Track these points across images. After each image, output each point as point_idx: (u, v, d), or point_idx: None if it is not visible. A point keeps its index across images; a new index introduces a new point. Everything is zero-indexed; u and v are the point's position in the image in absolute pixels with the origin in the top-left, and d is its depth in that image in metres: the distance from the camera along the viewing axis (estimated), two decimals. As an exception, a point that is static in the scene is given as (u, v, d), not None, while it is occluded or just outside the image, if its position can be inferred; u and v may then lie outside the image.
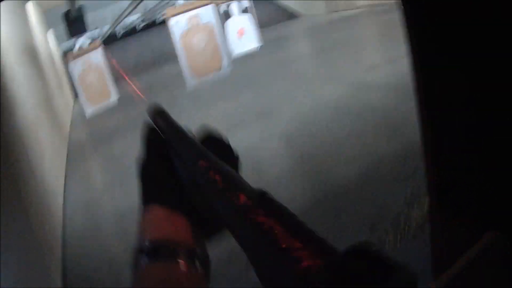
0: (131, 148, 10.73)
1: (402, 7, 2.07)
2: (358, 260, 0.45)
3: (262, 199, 0.63)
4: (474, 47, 1.77)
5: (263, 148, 7.67)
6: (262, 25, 30.77)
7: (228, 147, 0.90)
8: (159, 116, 0.93)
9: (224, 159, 0.78)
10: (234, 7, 8.17)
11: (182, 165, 0.82)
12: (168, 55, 29.95)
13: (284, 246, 0.52)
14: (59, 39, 24.44)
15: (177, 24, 7.31)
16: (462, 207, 2.22)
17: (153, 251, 0.74)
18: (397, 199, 4.83)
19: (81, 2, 8.43)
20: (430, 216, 2.77)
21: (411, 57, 2.13)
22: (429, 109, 2.13)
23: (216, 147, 0.84)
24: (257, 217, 0.58)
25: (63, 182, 9.26)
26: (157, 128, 0.91)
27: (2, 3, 7.26)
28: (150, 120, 0.93)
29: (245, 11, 8.26)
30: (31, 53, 11.26)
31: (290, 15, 34.15)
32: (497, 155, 1.90)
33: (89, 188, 9.07)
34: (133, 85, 18.03)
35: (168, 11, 7.35)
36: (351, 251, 0.46)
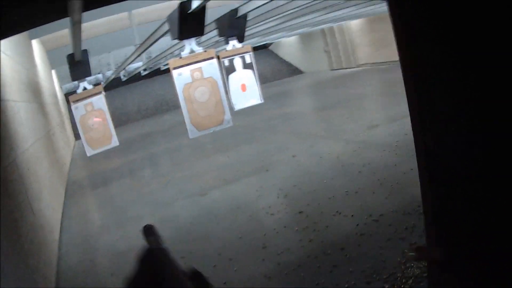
0: (128, 191, 10.79)
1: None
2: None
3: None
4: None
5: (260, 201, 7.69)
6: (267, 79, 31.15)
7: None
8: (153, 238, 0.99)
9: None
10: (237, 62, 8.24)
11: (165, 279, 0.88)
12: (170, 103, 30.30)
13: None
14: (61, 80, 24.65)
15: (180, 76, 7.36)
16: (463, 266, 2.22)
17: None
18: (395, 256, 4.82)
19: (85, 46, 8.50)
20: (428, 271, 2.77)
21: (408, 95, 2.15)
22: (431, 170, 2.15)
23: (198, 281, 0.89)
24: None
25: (59, 218, 9.27)
26: (152, 251, 0.96)
27: (8, 38, 7.38)
28: (146, 242, 0.99)
29: (248, 66, 8.33)
30: (34, 90, 11.38)
31: (294, 71, 34.50)
32: (501, 218, 1.91)
33: (85, 226, 9.08)
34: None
35: (171, 62, 7.41)
36: None
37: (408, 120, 2.11)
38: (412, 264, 4.59)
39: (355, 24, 26.31)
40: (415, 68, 1.97)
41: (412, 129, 2.15)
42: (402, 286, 4.32)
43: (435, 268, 2.38)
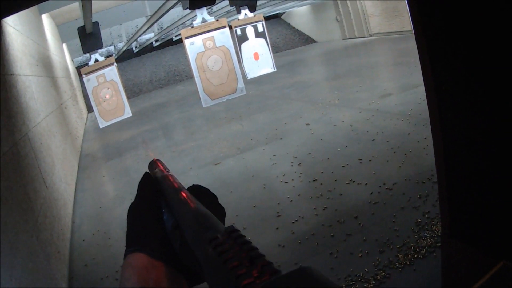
0: (142, 162, 10.82)
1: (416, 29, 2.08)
2: (300, 281, 0.48)
3: (232, 232, 0.66)
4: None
5: (274, 170, 7.70)
6: (279, 48, 31.03)
7: (216, 201, 0.91)
8: (157, 167, 0.97)
9: (212, 210, 0.78)
10: (249, 31, 8.19)
11: (167, 210, 0.86)
12: (182, 73, 30.28)
13: (235, 264, 0.57)
14: (73, 54, 24.68)
15: (193, 45, 7.34)
16: (475, 236, 2.21)
17: None
18: (408, 225, 4.82)
19: (96, 18, 8.47)
20: (442, 243, 2.76)
21: (425, 78, 2.14)
22: (445, 134, 2.14)
23: (205, 199, 0.85)
24: (223, 249, 0.61)
25: (73, 191, 9.34)
26: (153, 177, 0.94)
27: (18, 14, 7.36)
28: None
29: (260, 34, 8.29)
30: (45, 64, 11.38)
31: (305, 40, 34.32)
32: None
33: (99, 198, 9.12)
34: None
35: (183, 32, 7.38)
36: (295, 272, 0.50)
37: (421, 89, 2.09)
38: (426, 234, 4.59)
39: (367, -7, 26.09)
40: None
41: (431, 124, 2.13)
42: (415, 255, 4.32)
43: (448, 237, 2.38)
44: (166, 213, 0.86)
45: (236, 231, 0.65)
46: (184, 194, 0.82)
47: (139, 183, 0.91)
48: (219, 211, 0.88)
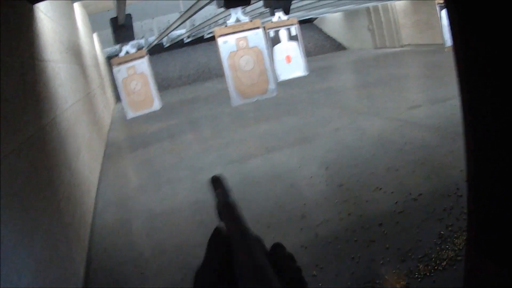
0: (167, 154, 10.93)
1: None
2: None
3: None
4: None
5: (301, 172, 7.76)
6: (310, 53, 31.00)
7: (299, 274, 0.77)
8: (220, 190, 0.85)
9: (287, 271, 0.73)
10: (282, 33, 8.25)
11: (238, 265, 0.77)
12: (212, 71, 30.41)
13: None
14: (103, 44, 24.85)
15: (226, 44, 7.40)
16: (500, 249, 2.24)
17: None
18: (431, 237, 4.86)
19: (128, 11, 8.58)
20: (466, 254, 2.79)
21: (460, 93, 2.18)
22: (477, 146, 2.18)
23: (286, 271, 0.75)
24: None
25: (97, 177, 9.48)
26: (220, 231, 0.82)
27: (51, 0, 7.46)
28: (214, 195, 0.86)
29: (293, 38, 8.34)
30: (75, 52, 11.51)
31: (337, 46, 34.32)
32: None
33: (122, 187, 9.26)
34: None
35: (217, 30, 7.46)
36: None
37: (450, 103, 2.13)
38: (447, 246, 4.63)
39: (399, 4, 26.03)
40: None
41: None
42: (436, 267, 4.35)
43: (472, 252, 2.42)
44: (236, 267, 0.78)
45: None
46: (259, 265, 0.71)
47: (209, 240, 0.78)
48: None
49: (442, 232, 4.90)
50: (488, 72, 1.97)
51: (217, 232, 0.78)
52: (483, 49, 1.94)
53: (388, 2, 24.95)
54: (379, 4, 25.59)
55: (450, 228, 4.95)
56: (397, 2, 25.54)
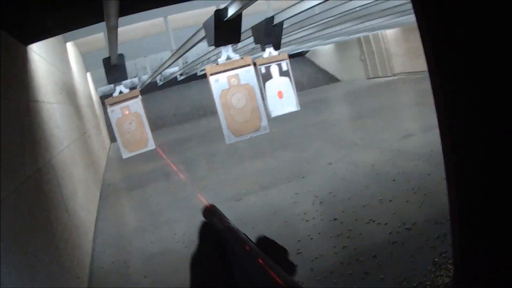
0: (163, 194, 10.92)
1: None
2: None
3: None
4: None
5: (296, 208, 7.78)
6: (303, 87, 31.12)
7: (286, 256, 0.87)
8: (213, 215, 0.94)
9: (281, 265, 0.77)
10: (274, 69, 8.29)
11: (236, 261, 0.84)
12: (207, 108, 30.50)
13: None
14: (97, 83, 24.91)
15: (217, 83, 7.44)
16: (487, 277, 2.27)
17: None
18: (425, 265, 4.88)
19: (120, 49, 8.64)
20: (454, 283, 2.81)
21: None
22: (457, 170, 2.21)
23: (274, 253, 0.83)
24: None
25: (94, 218, 9.46)
26: (211, 225, 0.91)
27: (43, 41, 7.53)
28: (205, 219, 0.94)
29: (284, 73, 8.39)
30: (69, 92, 11.54)
31: (329, 79, 34.48)
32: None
33: (119, 228, 9.23)
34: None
35: (208, 69, 7.50)
36: None
37: None
38: (442, 273, 4.65)
39: (390, 33, 26.24)
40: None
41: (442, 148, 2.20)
42: (433, 292, 4.38)
43: (461, 276, 2.45)
44: (234, 264, 0.84)
45: None
46: (250, 248, 0.81)
47: (199, 232, 0.89)
48: (289, 267, 0.85)
49: (436, 259, 4.93)
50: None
51: (205, 225, 0.89)
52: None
53: (379, 32, 25.19)
54: (370, 34, 25.81)
55: (444, 255, 4.98)
56: (387, 31, 25.77)
